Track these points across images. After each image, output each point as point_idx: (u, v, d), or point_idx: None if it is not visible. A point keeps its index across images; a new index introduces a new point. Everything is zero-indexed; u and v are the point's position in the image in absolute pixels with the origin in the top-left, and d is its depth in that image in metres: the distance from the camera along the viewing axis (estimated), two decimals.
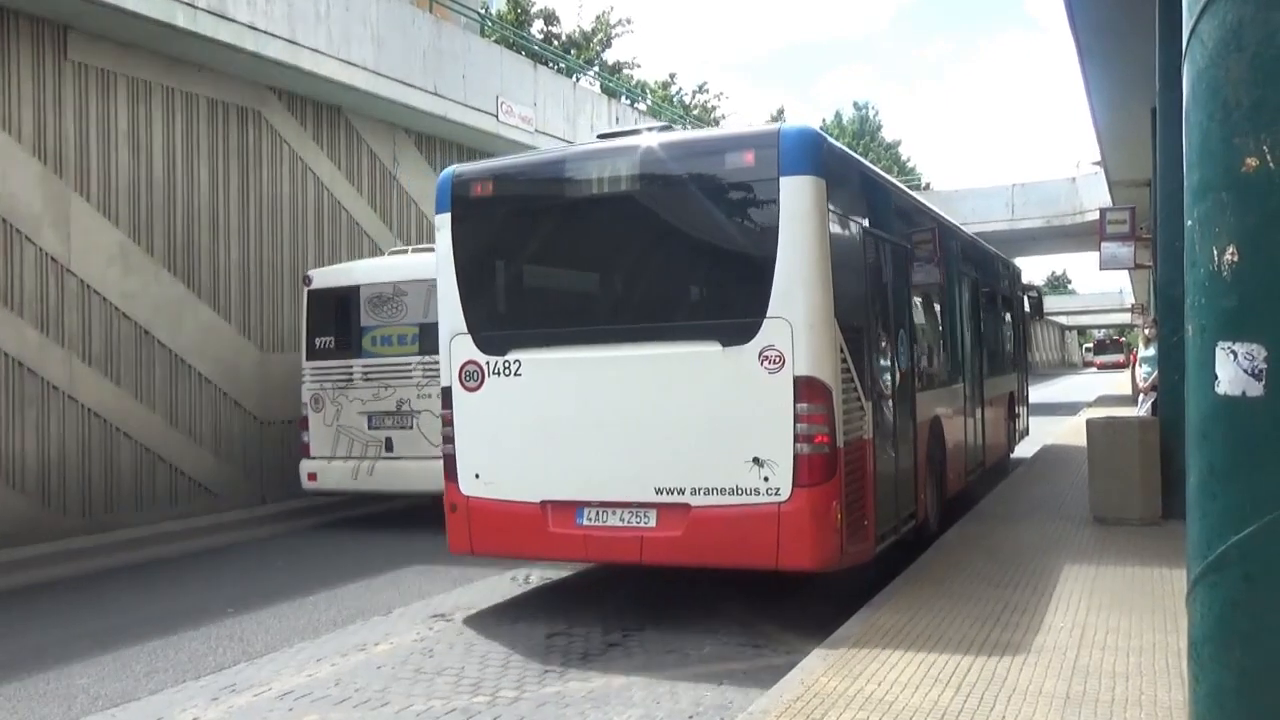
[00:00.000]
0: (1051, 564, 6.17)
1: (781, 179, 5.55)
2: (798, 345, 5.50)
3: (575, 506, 6.00)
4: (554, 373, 6.11)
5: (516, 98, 14.73)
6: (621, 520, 5.90)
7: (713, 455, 5.62)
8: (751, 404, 5.56)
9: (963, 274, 9.96)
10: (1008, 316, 14.10)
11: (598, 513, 5.96)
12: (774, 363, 5.55)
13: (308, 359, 8.53)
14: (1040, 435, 16.63)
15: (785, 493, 5.46)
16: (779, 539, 5.49)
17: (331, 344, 8.48)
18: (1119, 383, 37.83)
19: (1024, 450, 14.07)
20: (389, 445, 8.19)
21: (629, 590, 6.31)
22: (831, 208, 5.67)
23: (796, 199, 5.56)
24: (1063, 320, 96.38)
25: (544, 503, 6.02)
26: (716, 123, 34.47)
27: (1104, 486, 7.74)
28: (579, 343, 6.09)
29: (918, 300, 7.93)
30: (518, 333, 6.25)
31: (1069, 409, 25.25)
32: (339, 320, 8.61)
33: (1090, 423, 7.89)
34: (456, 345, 6.31)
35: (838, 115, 54.85)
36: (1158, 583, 5.67)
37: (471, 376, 6.34)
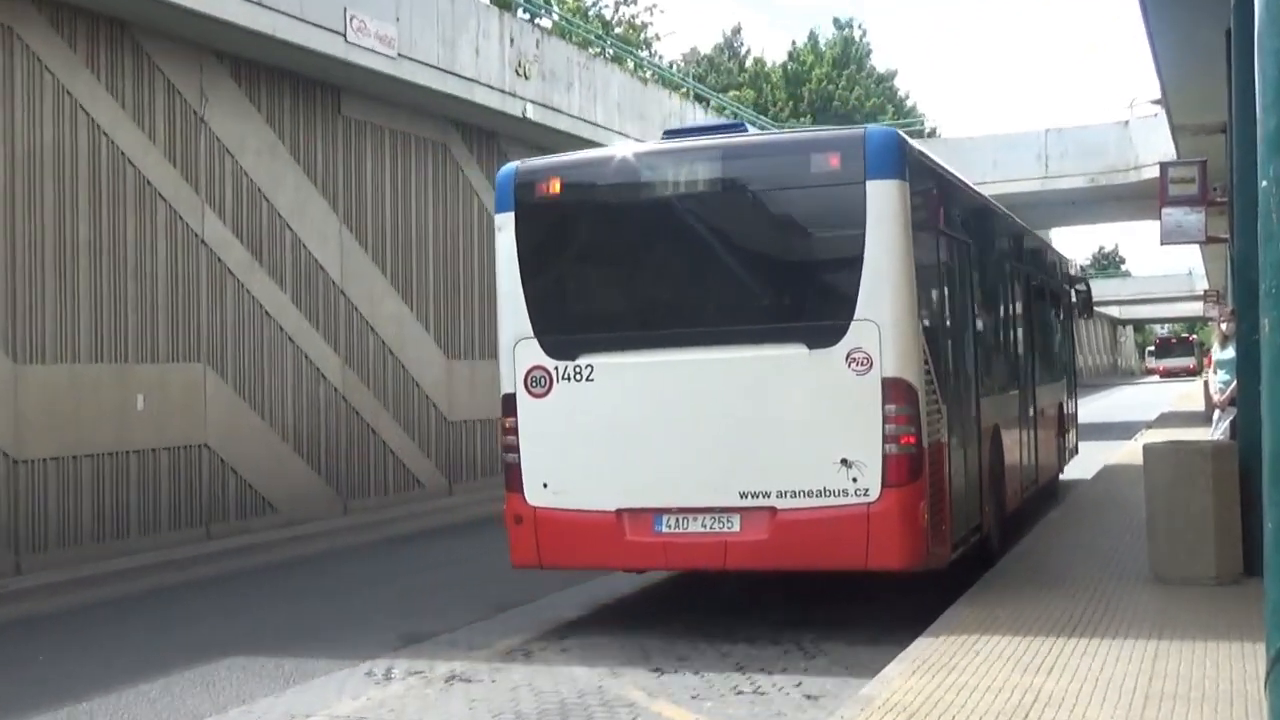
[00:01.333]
0: (1097, 640, 6.62)
1: (868, 183, 7.55)
2: (885, 347, 7.50)
3: (653, 513, 7.94)
4: (630, 377, 8.08)
5: (372, 10, 15.31)
6: (704, 526, 7.83)
7: (799, 457, 7.60)
8: (839, 406, 7.54)
9: (1021, 272, 12.38)
10: (1058, 315, 15.93)
11: (678, 519, 7.87)
12: (862, 364, 7.56)
13: None
14: (1088, 462, 17.63)
15: (874, 493, 7.41)
16: (868, 539, 7.40)
17: None
18: (1189, 395, 39.51)
19: (1074, 473, 15.83)
20: None
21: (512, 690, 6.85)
22: (912, 209, 7.62)
23: (883, 202, 7.59)
24: (1113, 312, 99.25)
25: (620, 511, 7.96)
26: (647, 44, 35.60)
27: (1167, 535, 8.14)
28: (656, 346, 8.08)
29: (981, 301, 10.14)
30: (590, 337, 8.21)
31: (1122, 431, 26.64)
32: None
33: (1149, 450, 8.32)
34: (521, 350, 8.24)
35: (813, 37, 55.31)
36: (1236, 663, 5.98)
37: (538, 382, 8.23)
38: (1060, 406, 15.06)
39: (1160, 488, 8.41)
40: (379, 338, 16.70)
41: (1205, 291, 42.44)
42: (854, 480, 7.60)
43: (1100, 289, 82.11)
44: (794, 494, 7.76)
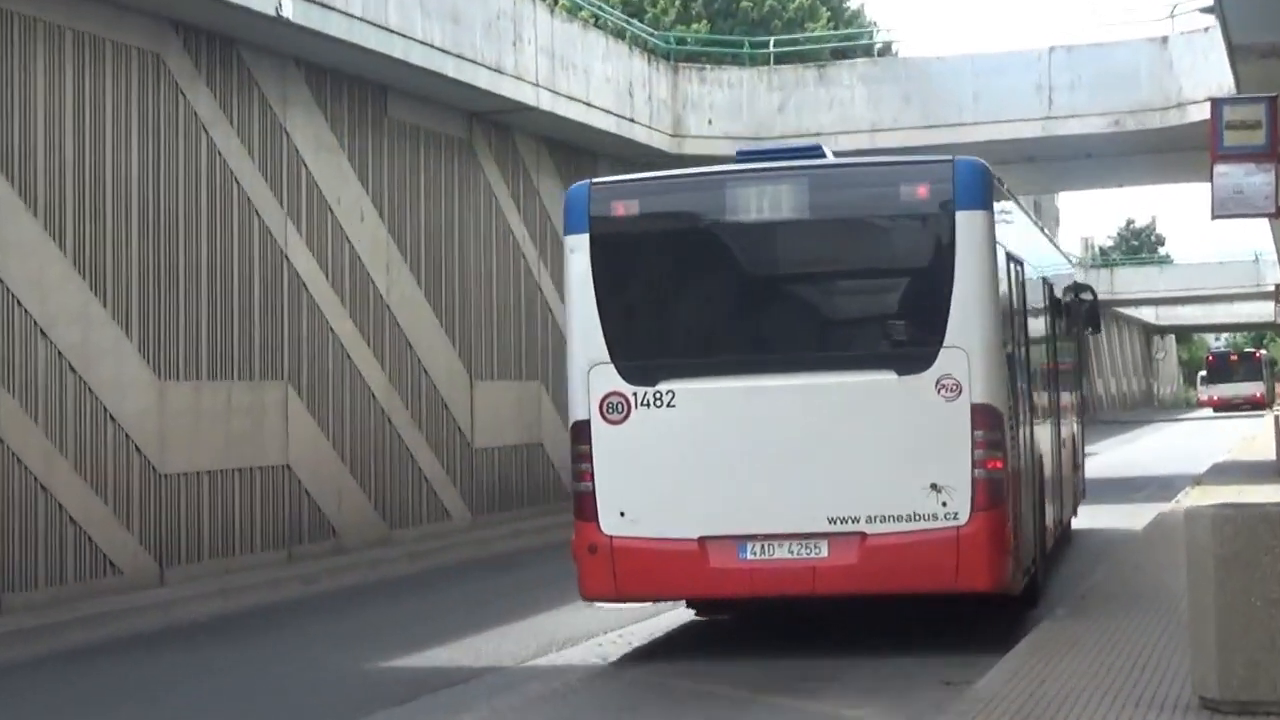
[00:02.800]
0: None
1: (958, 212, 11.99)
2: (974, 373, 11.78)
3: (738, 541, 12.03)
4: (714, 403, 12.23)
5: None
6: (790, 552, 11.95)
7: (889, 482, 11.86)
8: (928, 431, 11.83)
9: (1045, 287, 17.18)
10: (1070, 330, 19.57)
11: (763, 546, 11.98)
12: (951, 390, 11.78)
13: None
14: (1102, 537, 18.27)
15: (964, 517, 11.68)
16: (958, 562, 11.68)
17: None
18: (1255, 439, 41.11)
19: (1083, 552, 17.89)
20: None
21: None
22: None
23: (972, 232, 12.00)
24: (1147, 316, 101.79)
25: (702, 538, 12.05)
26: None
27: (1218, 640, 8.33)
28: (740, 372, 12.32)
29: (1029, 325, 14.93)
30: (670, 362, 12.41)
31: (1158, 490, 27.47)
32: None
33: (1195, 518, 8.63)
34: (596, 376, 12.26)
35: None
36: None
37: (615, 409, 12.21)
38: (1075, 439, 19.40)
39: (1209, 572, 8.49)
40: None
41: (1279, 286, 43.08)
42: (944, 504, 11.75)
43: (1128, 282, 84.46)
44: (884, 519, 11.85)
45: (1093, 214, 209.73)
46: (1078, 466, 19.86)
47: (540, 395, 26.51)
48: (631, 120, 28.26)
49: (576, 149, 28.25)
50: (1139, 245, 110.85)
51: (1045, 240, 18.16)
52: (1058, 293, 18.31)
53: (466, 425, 24.46)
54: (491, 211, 25.65)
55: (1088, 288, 21.01)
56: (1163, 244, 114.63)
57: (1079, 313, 20.39)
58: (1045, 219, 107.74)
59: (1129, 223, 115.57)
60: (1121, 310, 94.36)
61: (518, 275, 26.31)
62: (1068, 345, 19.34)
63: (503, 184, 26.08)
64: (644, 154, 28.70)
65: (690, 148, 29.52)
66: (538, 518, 24.92)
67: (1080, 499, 20.32)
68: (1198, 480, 27.21)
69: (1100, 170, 33.67)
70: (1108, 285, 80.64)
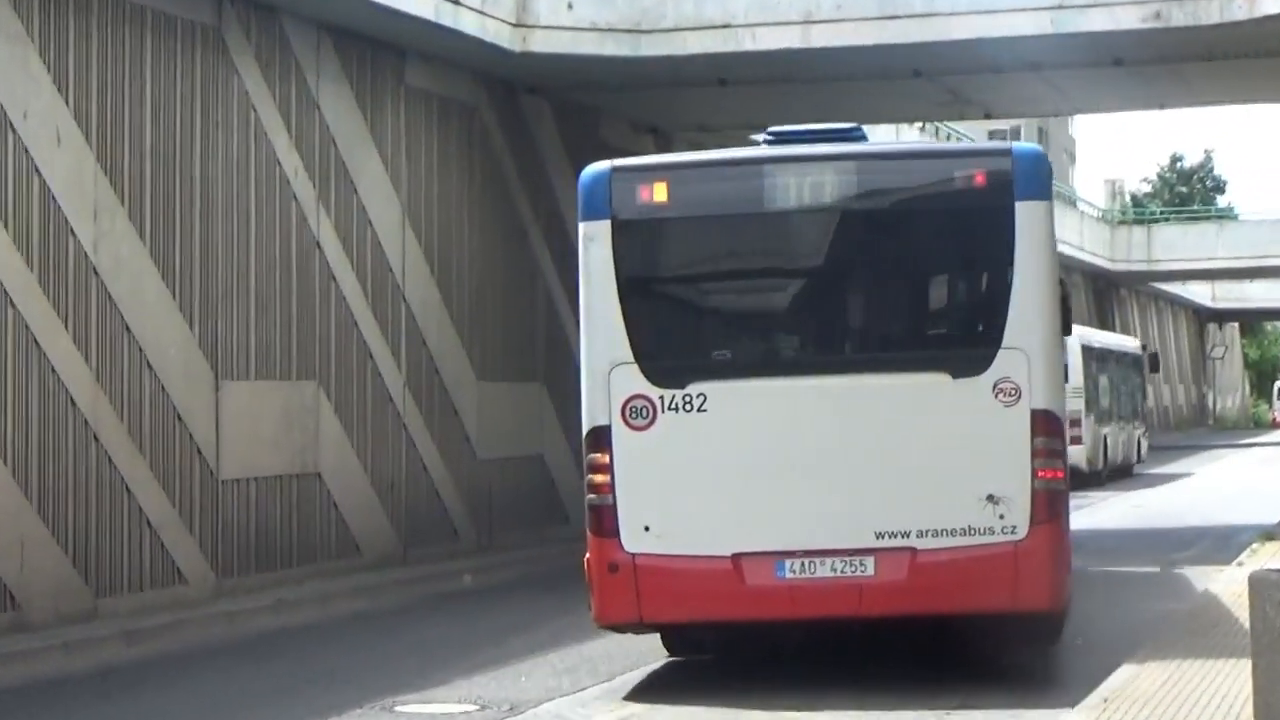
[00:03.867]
0: None
1: (1017, 203, 15.00)
2: (1034, 377, 14.77)
3: (776, 557, 14.94)
4: (749, 406, 15.15)
5: None
6: (833, 570, 14.83)
7: (941, 494, 14.83)
8: (984, 438, 14.85)
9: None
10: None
11: (804, 563, 14.87)
12: (1009, 395, 14.68)
13: None
14: (1121, 620, 19.00)
15: (1022, 530, 14.70)
16: (1016, 580, 14.62)
17: None
18: None
19: (1100, 624, 19.72)
20: None
21: None
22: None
23: (1032, 224, 15.02)
24: (1198, 296, 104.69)
25: (736, 555, 14.98)
26: None
27: None
28: (779, 372, 15.43)
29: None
30: (701, 362, 15.38)
31: (1213, 546, 28.20)
32: None
33: (1261, 586, 9.33)
34: (618, 377, 15.18)
35: None
36: None
37: (639, 413, 15.09)
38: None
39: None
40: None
41: None
42: (1001, 517, 14.70)
43: (1172, 245, 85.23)
44: (936, 533, 14.82)
45: (1122, 148, 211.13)
46: None
47: (319, 401, 26.36)
48: (456, 2, 27.91)
49: (375, 43, 28.02)
50: (1188, 194, 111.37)
51: None
52: None
53: (209, 446, 24.16)
54: (249, 132, 25.22)
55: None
56: (1221, 191, 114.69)
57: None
58: (1054, 153, 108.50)
59: (1174, 161, 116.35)
60: (1162, 287, 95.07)
61: (286, 225, 26.01)
62: None
63: (266, 92, 25.64)
64: (473, 52, 28.82)
65: (540, 43, 29.30)
66: (316, 580, 25.53)
67: None
68: (1269, 534, 27.77)
69: (1133, 84, 33.94)
70: (1143, 250, 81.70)
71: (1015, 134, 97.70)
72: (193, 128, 24.18)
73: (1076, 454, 49.94)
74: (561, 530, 31.29)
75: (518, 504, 30.94)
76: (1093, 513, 39.52)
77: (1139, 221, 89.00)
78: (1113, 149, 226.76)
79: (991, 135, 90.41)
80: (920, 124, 52.78)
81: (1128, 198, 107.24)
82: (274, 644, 21.48)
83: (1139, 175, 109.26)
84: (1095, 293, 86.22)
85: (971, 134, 69.21)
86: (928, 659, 16.70)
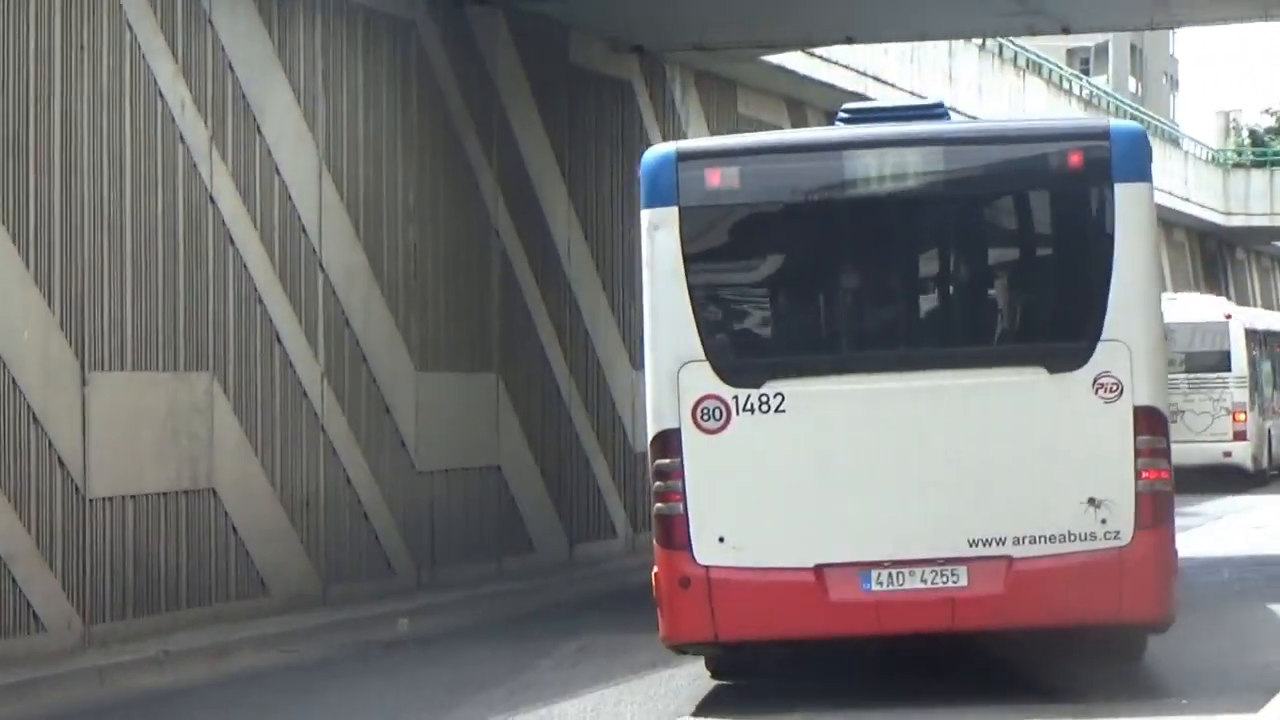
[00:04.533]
0: None
1: (1116, 185, 17.19)
2: (1137, 371, 16.95)
3: (861, 568, 16.89)
4: (831, 407, 17.15)
5: None
6: (924, 581, 16.87)
7: (1038, 497, 17.04)
8: (1084, 437, 17.11)
9: None
10: None
11: (890, 575, 16.87)
12: (1110, 391, 16.87)
13: None
14: None
15: (1126, 536, 16.85)
16: (1121, 588, 16.78)
17: None
18: None
19: None
20: None
21: None
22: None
23: (1132, 208, 17.18)
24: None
25: (819, 567, 16.92)
26: None
27: None
28: (862, 370, 17.40)
29: None
30: (780, 360, 17.42)
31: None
32: None
33: None
34: (688, 376, 16.95)
35: None
36: None
37: (711, 415, 16.86)
38: None
39: None
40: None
41: None
42: (1103, 522, 16.54)
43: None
44: (1033, 540, 16.63)
45: (1239, 72, 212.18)
46: None
47: (214, 398, 26.03)
48: None
49: None
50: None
51: None
52: None
53: (73, 456, 23.83)
54: (123, 57, 24.81)
55: None
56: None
57: None
58: (1152, 77, 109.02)
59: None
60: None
61: (171, 174, 25.56)
62: None
63: (144, 5, 25.17)
64: None
65: None
66: (210, 627, 25.15)
67: None
68: None
69: None
70: (1264, 200, 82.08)
71: (1101, 53, 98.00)
72: (51, 53, 23.68)
73: (1241, 451, 55.89)
74: (525, 560, 31.70)
75: (468, 528, 30.73)
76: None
77: (1260, 164, 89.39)
78: (1227, 74, 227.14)
79: (1070, 57, 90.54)
80: (980, 40, 53.14)
81: (1245, 134, 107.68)
82: (156, 710, 21.16)
83: (1259, 106, 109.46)
84: (1204, 254, 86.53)
85: (1047, 53, 69.53)
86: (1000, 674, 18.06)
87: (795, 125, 44.96)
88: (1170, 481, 16.98)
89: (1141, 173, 17.13)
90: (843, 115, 18.67)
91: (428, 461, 29.78)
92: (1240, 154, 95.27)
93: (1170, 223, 77.66)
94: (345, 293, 27.94)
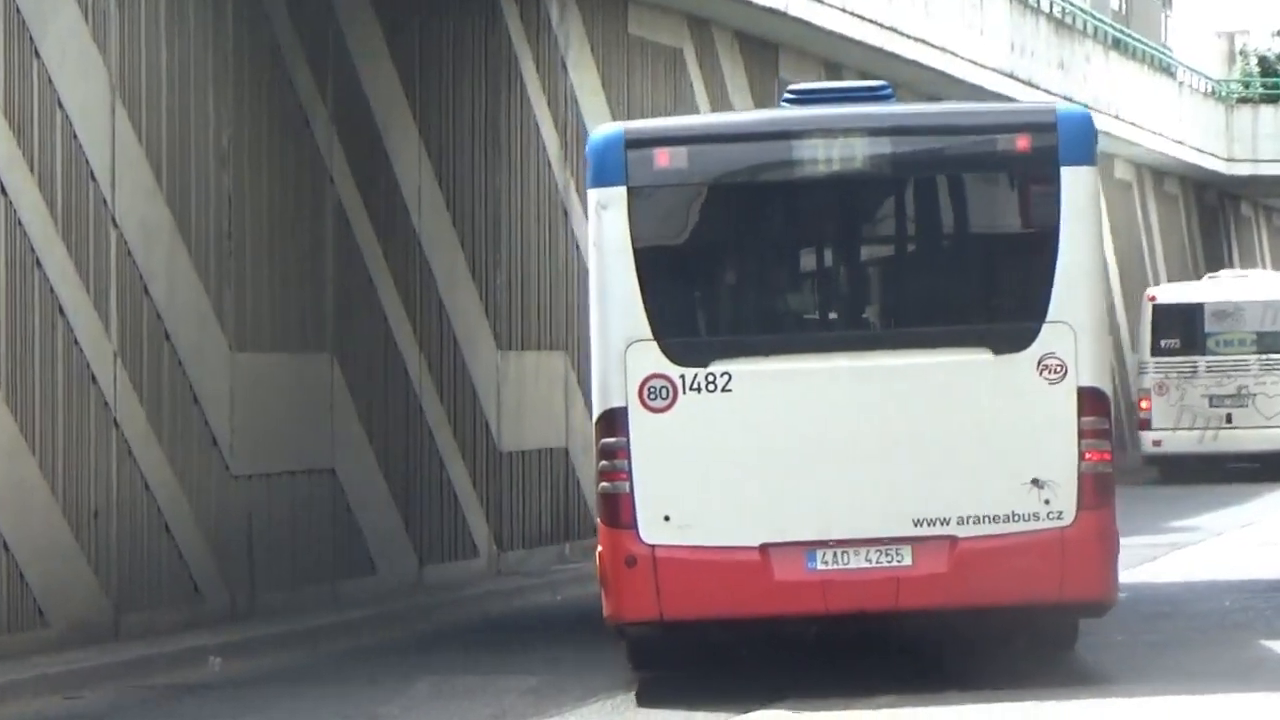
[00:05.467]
0: None
1: (1063, 169, 21.49)
2: (1081, 353, 21.35)
3: (806, 548, 21.02)
4: (776, 386, 21.28)
5: None
6: (868, 561, 20.96)
7: (982, 478, 21.26)
8: (1028, 418, 21.44)
9: None
10: None
11: (835, 554, 20.96)
12: (1055, 372, 21.14)
13: (1151, 355, 79.64)
14: None
15: (1069, 516, 21.13)
16: (1063, 569, 20.99)
17: (1176, 344, 79.43)
18: None
19: None
20: (1229, 419, 78.70)
21: None
22: None
23: (1078, 191, 21.66)
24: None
25: (765, 546, 20.94)
26: None
27: None
28: (808, 350, 21.70)
29: None
30: (725, 339, 21.86)
31: None
32: (1184, 327, 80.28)
33: None
34: (635, 355, 20.89)
35: None
36: None
37: (658, 394, 20.82)
38: None
39: None
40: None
41: None
42: (1046, 502, 20.10)
43: None
44: (977, 520, 20.14)
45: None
46: None
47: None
48: None
49: None
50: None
51: None
52: None
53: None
54: None
55: None
56: None
57: None
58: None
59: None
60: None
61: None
62: None
63: None
64: None
65: None
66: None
67: None
68: None
69: None
70: (1275, 142, 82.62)
71: None
72: None
73: None
74: (366, 584, 31.98)
75: (295, 545, 30.61)
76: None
77: (1270, 98, 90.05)
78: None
79: None
80: None
81: (1253, 62, 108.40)
82: None
83: (1269, 27, 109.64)
84: (1201, 209, 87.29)
85: None
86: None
87: (698, 48, 46.64)
88: (1110, 463, 20.29)
89: (1088, 157, 20.58)
90: (788, 96, 21.86)
91: (245, 463, 29.48)
92: (1247, 86, 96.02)
93: (1160, 170, 78.47)
94: (144, 254, 27.52)
